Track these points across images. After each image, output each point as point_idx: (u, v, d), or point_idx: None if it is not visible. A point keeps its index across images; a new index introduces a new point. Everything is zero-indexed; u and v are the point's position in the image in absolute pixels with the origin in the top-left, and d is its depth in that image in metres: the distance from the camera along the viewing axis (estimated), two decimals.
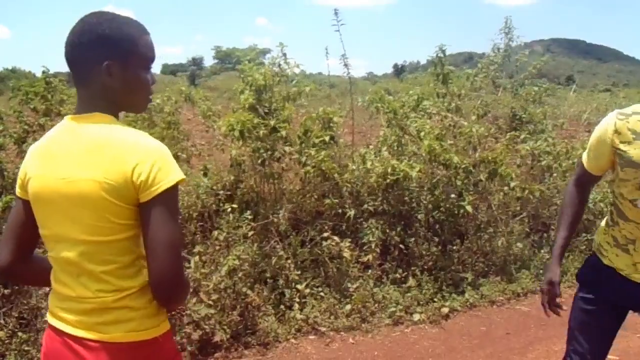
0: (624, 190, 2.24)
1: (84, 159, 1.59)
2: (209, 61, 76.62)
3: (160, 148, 1.62)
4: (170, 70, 66.51)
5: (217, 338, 4.24)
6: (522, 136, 6.62)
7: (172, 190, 1.60)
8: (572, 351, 2.63)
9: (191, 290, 4.33)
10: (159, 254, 1.58)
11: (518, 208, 6.32)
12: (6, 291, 4.23)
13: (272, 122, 5.10)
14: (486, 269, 5.67)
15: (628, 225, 2.30)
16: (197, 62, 79.71)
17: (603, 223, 2.52)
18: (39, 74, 5.45)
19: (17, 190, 1.77)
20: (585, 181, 2.48)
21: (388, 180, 5.31)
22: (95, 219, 1.59)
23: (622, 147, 2.17)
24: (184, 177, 1.63)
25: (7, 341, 4.07)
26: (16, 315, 4.24)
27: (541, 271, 5.80)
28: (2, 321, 4.15)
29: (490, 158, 5.62)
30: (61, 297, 1.70)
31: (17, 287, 4.35)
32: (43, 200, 1.67)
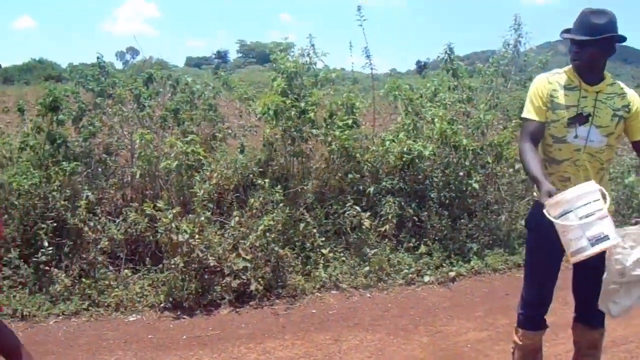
0: (554, 130, 2.89)
1: None
2: (232, 55, 76.57)
3: None
4: (195, 63, 66.58)
5: (252, 287, 4.91)
6: None
7: None
8: (529, 283, 3.14)
9: (230, 247, 5.03)
10: None
11: (524, 192, 6.89)
12: (67, 248, 4.98)
13: (302, 105, 5.74)
14: (491, 242, 6.23)
15: (561, 167, 2.91)
16: (221, 55, 78.60)
17: None
18: (63, 65, 6.13)
19: None
20: (535, 134, 2.92)
21: (404, 159, 5.92)
22: None
23: (553, 93, 2.89)
24: None
25: (70, 287, 4.82)
26: (77, 268, 4.97)
27: None
28: (64, 274, 4.88)
29: (496, 142, 6.19)
30: None
31: (79, 242, 5.09)
32: None
